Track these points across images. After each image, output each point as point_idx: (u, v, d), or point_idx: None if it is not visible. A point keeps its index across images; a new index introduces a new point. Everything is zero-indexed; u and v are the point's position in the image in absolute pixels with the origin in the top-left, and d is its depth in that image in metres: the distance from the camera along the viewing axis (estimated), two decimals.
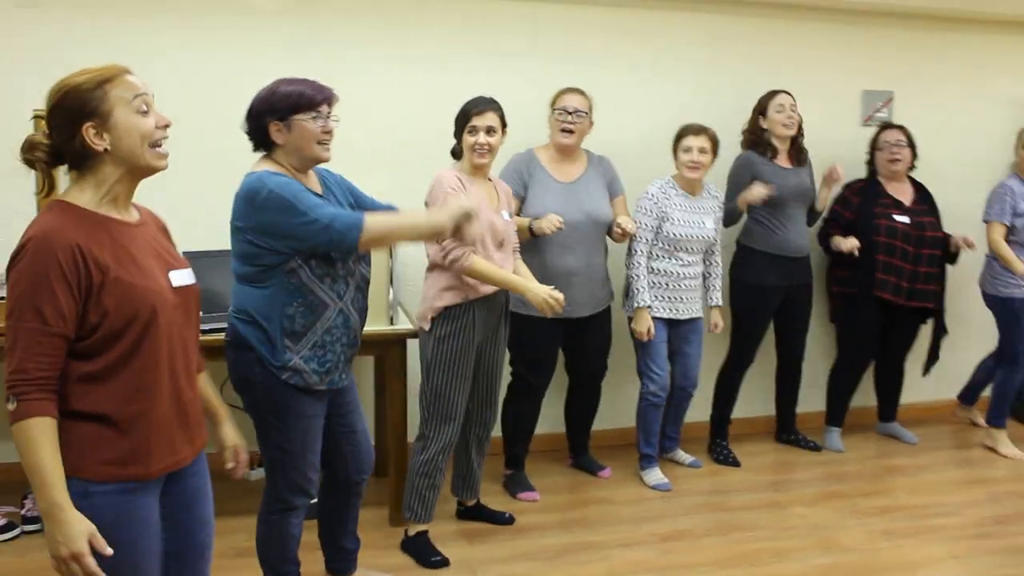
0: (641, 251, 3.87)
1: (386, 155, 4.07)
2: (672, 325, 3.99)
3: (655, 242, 3.90)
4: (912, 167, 4.46)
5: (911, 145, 4.40)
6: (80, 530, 1.63)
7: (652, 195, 3.90)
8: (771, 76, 4.50)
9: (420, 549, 3.31)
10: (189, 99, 3.81)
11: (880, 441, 4.72)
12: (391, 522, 3.56)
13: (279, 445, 2.54)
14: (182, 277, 1.85)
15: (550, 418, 4.26)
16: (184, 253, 2.03)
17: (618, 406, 4.49)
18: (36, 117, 1.78)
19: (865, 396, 4.78)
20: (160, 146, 1.78)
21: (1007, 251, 4.29)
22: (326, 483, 2.84)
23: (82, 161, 1.74)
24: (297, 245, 2.39)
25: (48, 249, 1.64)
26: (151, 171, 1.80)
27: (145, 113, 1.76)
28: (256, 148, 2.54)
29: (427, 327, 3.23)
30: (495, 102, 3.25)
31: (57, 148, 1.74)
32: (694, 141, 3.85)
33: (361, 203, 2.70)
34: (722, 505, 3.85)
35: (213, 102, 3.84)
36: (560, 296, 3.14)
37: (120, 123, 1.73)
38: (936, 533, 3.58)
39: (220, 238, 2.93)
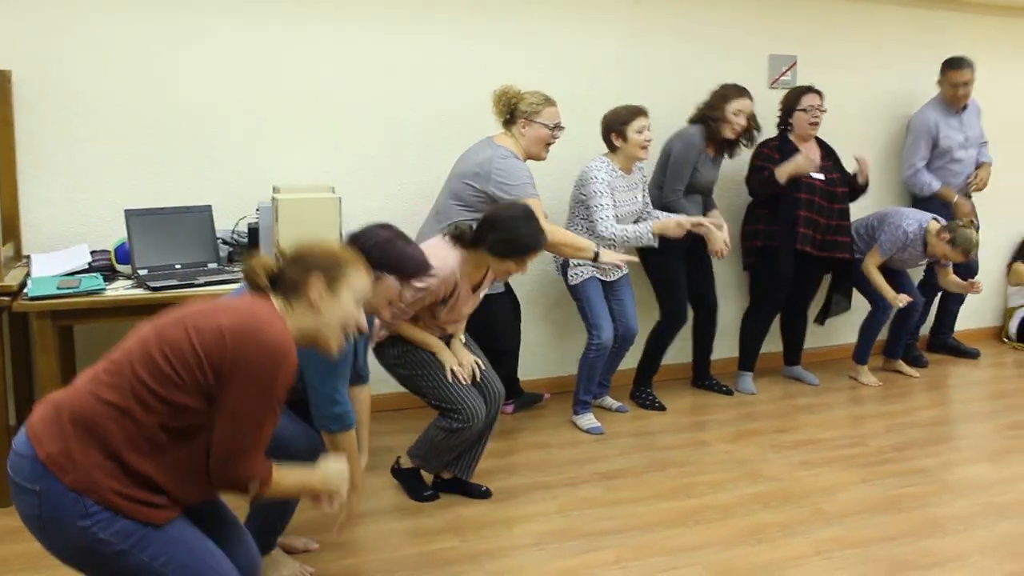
0: (609, 218, 3.98)
1: (331, 121, 4.08)
2: (603, 282, 4.21)
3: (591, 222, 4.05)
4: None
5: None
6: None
7: (603, 180, 4.01)
8: (688, 40, 4.76)
9: (411, 482, 3.44)
10: (118, 61, 3.73)
11: (786, 383, 5.08)
12: None
13: None
14: None
15: None
16: None
17: (539, 358, 4.69)
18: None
19: (767, 344, 5.09)
20: None
21: None
22: None
23: (292, 294, 2.02)
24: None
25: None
26: (324, 346, 2.03)
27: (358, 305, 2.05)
28: None
29: (375, 348, 3.28)
30: None
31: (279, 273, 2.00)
32: (646, 121, 4.02)
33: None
34: (653, 445, 4.09)
35: (132, 65, 3.77)
36: (471, 372, 3.23)
37: (340, 295, 2.02)
38: (846, 461, 3.92)
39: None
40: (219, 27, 3.87)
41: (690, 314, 4.75)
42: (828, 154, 4.79)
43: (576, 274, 4.13)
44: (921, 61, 5.46)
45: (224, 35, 3.88)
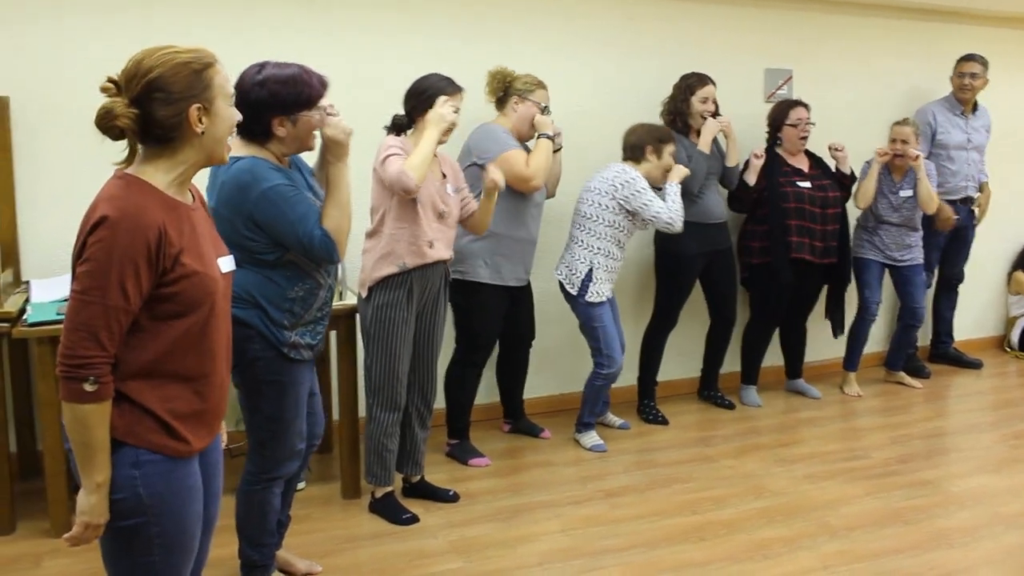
0: (663, 205, 4.00)
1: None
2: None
3: (623, 229, 4.07)
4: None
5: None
6: (107, 507, 1.71)
7: (639, 177, 4.02)
8: (683, 55, 4.75)
9: (390, 509, 3.43)
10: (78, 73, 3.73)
11: (788, 397, 5.06)
12: (344, 495, 3.62)
13: (272, 417, 2.58)
14: (227, 263, 1.88)
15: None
16: None
17: (544, 374, 4.68)
18: (111, 82, 1.75)
19: (768, 358, 5.06)
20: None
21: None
22: None
23: (167, 140, 1.73)
24: (286, 248, 2.48)
25: (138, 227, 1.63)
26: (220, 162, 1.83)
27: (231, 105, 1.81)
28: (246, 136, 2.47)
29: (365, 295, 3.33)
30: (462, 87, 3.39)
31: (146, 119, 1.70)
32: (675, 148, 4.12)
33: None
34: (656, 461, 4.07)
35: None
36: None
37: (220, 112, 1.76)
38: (851, 474, 3.90)
39: None
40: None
41: (704, 324, 4.83)
42: (817, 164, 4.79)
43: (598, 292, 4.05)
44: (915, 72, 5.49)
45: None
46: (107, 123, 1.68)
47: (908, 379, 5.30)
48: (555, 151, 4.03)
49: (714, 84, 4.45)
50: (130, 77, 1.71)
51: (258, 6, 3.96)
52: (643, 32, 4.73)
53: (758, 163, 4.60)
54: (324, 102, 2.50)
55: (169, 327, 1.72)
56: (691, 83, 4.44)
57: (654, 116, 4.51)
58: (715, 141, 4.52)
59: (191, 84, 1.72)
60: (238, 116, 1.85)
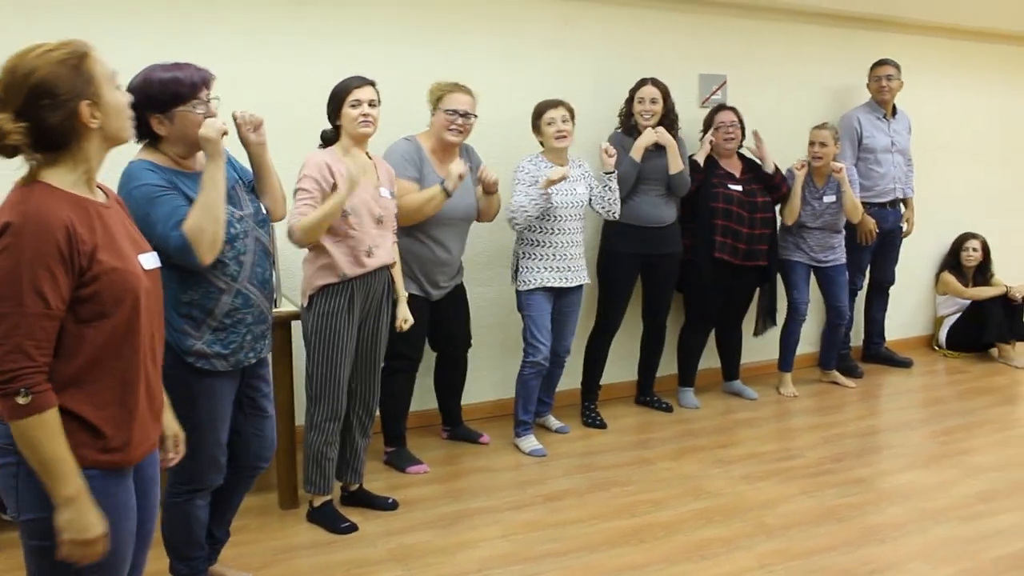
0: (517, 197, 4.01)
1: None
2: (559, 295, 4.19)
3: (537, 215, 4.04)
4: (741, 145, 4.86)
5: (742, 125, 4.81)
6: (100, 516, 1.66)
7: (525, 168, 4.08)
8: (619, 60, 4.81)
9: (328, 518, 3.39)
10: None
11: (726, 398, 5.13)
12: (281, 505, 3.56)
13: (185, 427, 2.48)
14: (150, 260, 1.82)
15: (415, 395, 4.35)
16: None
17: (483, 380, 4.67)
18: None
19: (706, 359, 5.15)
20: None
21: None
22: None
23: (64, 142, 1.66)
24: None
25: (46, 228, 1.57)
26: (121, 143, 1.78)
27: (119, 88, 1.74)
28: (138, 139, 2.42)
29: (305, 303, 3.29)
30: (371, 79, 3.30)
31: (38, 129, 1.62)
32: (556, 113, 4.07)
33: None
34: (596, 465, 4.08)
35: None
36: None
37: (109, 100, 1.70)
38: (786, 474, 3.97)
39: None
40: (148, 52, 3.79)
41: (638, 329, 4.85)
42: (749, 167, 4.88)
43: (525, 281, 4.11)
44: (844, 78, 5.61)
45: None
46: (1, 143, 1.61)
47: (841, 378, 5.41)
48: (491, 193, 3.92)
49: (655, 85, 4.47)
50: (7, 87, 1.62)
51: (255, 7, 3.94)
52: (579, 37, 4.76)
53: (708, 148, 4.73)
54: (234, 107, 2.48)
55: (95, 330, 1.67)
56: (633, 87, 4.52)
57: (589, 122, 4.58)
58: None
59: (74, 82, 1.64)
60: (129, 97, 1.78)
